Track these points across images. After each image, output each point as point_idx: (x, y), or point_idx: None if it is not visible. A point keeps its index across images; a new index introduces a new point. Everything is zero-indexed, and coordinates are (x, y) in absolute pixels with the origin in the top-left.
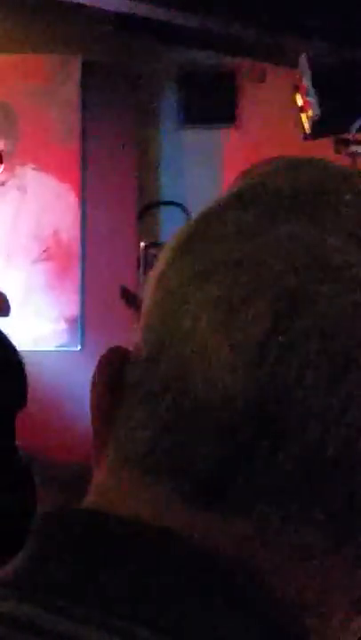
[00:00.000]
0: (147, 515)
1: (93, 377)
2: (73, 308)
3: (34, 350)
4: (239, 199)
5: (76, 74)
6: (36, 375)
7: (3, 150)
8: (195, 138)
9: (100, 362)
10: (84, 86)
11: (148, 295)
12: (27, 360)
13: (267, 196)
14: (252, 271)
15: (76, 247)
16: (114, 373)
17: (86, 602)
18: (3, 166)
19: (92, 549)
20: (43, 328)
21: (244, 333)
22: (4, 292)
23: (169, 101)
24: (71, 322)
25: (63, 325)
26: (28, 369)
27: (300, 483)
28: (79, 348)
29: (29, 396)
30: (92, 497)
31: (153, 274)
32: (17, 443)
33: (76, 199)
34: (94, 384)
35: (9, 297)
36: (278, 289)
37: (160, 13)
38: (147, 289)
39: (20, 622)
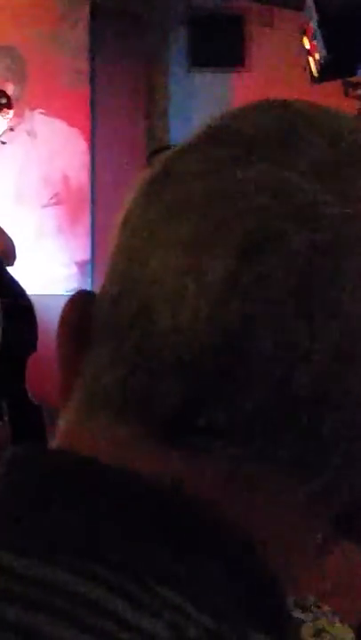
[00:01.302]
0: (112, 455)
1: (60, 320)
2: (83, 253)
3: (44, 295)
4: (205, 141)
5: (85, 18)
6: (47, 320)
7: (11, 95)
8: (203, 82)
9: (65, 305)
10: (93, 30)
11: (114, 237)
12: (37, 305)
13: (233, 138)
14: (218, 211)
15: (86, 191)
16: (80, 315)
17: (46, 543)
18: (12, 111)
19: (55, 491)
20: (53, 272)
21: (209, 272)
22: (12, 237)
23: (178, 45)
24: (82, 266)
25: (74, 269)
26: (39, 313)
27: (265, 421)
28: None
29: (40, 340)
30: (59, 439)
31: (119, 215)
32: (27, 386)
33: (86, 144)
34: (60, 326)
35: (19, 242)
36: (243, 228)
37: None
38: (113, 231)
39: None
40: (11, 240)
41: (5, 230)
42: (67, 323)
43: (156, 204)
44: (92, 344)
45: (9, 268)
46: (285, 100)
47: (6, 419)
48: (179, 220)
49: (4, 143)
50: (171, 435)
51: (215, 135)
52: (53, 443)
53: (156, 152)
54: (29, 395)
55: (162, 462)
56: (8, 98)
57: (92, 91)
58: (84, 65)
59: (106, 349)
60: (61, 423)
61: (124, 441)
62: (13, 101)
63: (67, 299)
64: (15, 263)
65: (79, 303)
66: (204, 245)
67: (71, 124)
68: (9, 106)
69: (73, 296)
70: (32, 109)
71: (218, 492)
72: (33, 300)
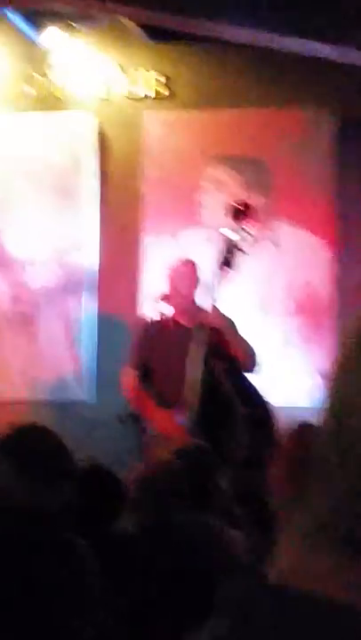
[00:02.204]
0: (332, 587)
1: (283, 449)
2: (328, 364)
3: (289, 407)
4: None
5: (331, 128)
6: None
7: (257, 206)
8: None
9: (290, 436)
10: (339, 141)
11: (332, 378)
12: (282, 416)
13: None
14: None
15: (331, 302)
16: (302, 447)
17: None
18: (256, 223)
19: (282, 627)
20: (298, 383)
21: None
22: (257, 346)
23: None
24: (326, 377)
25: (318, 380)
26: (284, 425)
27: None
28: None
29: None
30: (281, 567)
31: (336, 360)
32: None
33: (331, 254)
34: (285, 455)
35: (264, 351)
36: None
37: None
38: (331, 373)
39: None
40: (251, 348)
41: (247, 338)
42: (293, 450)
43: None
44: (313, 471)
45: (250, 376)
46: None
47: (244, 528)
48: None
49: (246, 254)
50: None
51: None
52: (274, 572)
53: None
54: (268, 507)
55: None
56: (250, 210)
57: (338, 200)
58: (329, 174)
59: (323, 477)
60: (283, 545)
61: (343, 572)
62: (259, 212)
63: (313, 411)
64: (258, 371)
65: (303, 433)
66: None
67: (316, 234)
68: (252, 218)
69: (299, 425)
70: (277, 220)
71: None
72: (277, 411)
